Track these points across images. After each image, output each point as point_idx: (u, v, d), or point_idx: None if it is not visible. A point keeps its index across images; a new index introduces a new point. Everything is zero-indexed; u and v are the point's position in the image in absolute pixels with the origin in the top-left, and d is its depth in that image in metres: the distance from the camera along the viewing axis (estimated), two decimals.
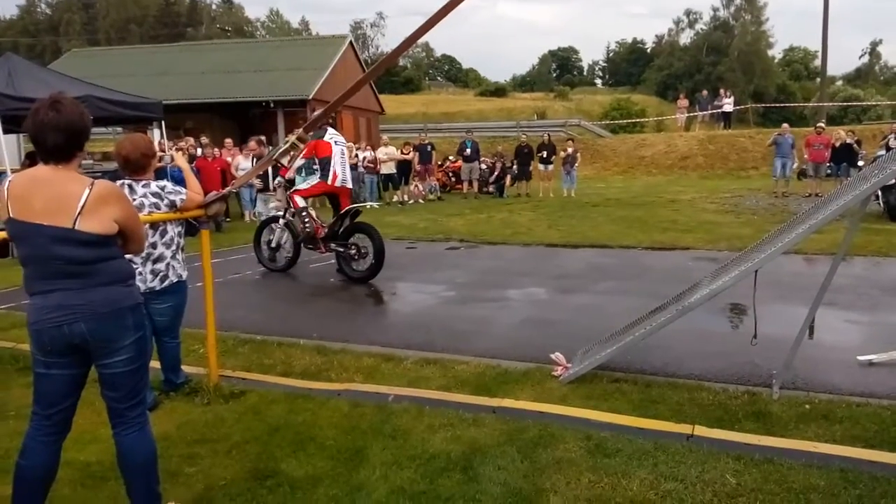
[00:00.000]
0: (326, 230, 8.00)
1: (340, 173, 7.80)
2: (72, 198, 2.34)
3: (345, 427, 3.58)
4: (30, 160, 10.28)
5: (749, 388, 4.02)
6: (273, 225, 8.48)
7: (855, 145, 15.52)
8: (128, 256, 3.61)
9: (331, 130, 7.93)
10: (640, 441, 3.31)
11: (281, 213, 8.45)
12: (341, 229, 7.91)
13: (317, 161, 7.81)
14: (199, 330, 4.70)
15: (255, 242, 8.65)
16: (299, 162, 7.99)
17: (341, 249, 7.82)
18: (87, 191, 2.36)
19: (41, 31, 68.62)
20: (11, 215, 2.38)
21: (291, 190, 8.04)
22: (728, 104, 27.56)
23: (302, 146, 4.23)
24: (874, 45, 69.91)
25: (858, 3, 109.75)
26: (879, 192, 11.49)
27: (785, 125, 17.65)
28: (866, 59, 70.29)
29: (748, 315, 5.47)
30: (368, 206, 12.53)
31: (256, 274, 8.40)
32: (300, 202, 7.95)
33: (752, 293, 3.91)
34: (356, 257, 7.74)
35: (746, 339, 4.20)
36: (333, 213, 8.19)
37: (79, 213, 2.33)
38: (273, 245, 8.44)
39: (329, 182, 7.74)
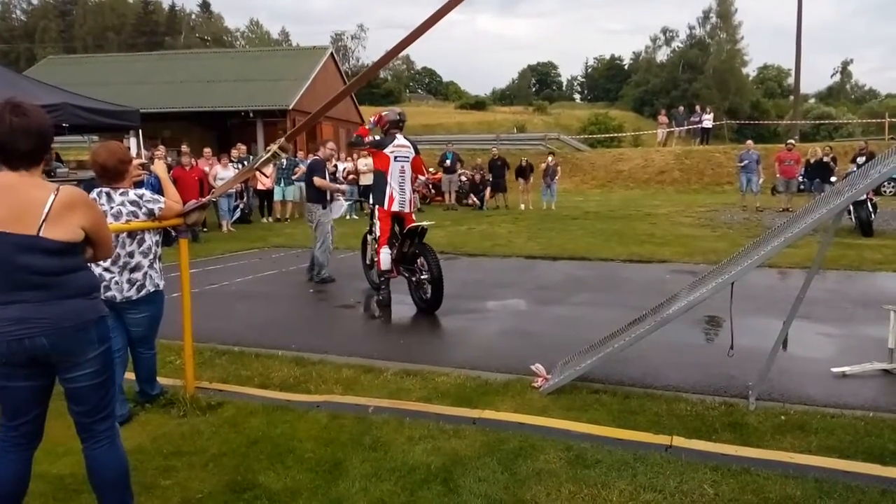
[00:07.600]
0: (396, 251, 6.98)
1: (397, 195, 6.74)
2: (36, 204, 2.27)
3: (324, 439, 3.55)
4: None
5: (726, 399, 4.06)
6: (368, 237, 7.59)
7: (831, 162, 15.88)
8: (104, 265, 3.62)
9: (398, 139, 6.81)
10: (619, 452, 3.32)
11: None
12: (408, 250, 6.86)
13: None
14: (176, 341, 4.65)
15: (363, 261, 7.90)
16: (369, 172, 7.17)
17: (407, 274, 6.88)
18: (52, 196, 2.29)
19: (16, 37, 67.67)
20: None
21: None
22: (708, 120, 28.10)
23: (284, 155, 4.20)
24: (845, 64, 72.09)
25: (831, 23, 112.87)
26: (851, 208, 11.75)
27: (749, 142, 18.67)
28: (838, 77, 72.25)
29: (724, 327, 5.55)
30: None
31: (233, 285, 8.31)
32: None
33: (728, 306, 3.96)
34: (417, 284, 6.75)
35: (723, 350, 4.25)
36: (399, 232, 7.06)
37: (44, 220, 2.26)
38: (369, 262, 7.73)
39: (385, 207, 6.76)
